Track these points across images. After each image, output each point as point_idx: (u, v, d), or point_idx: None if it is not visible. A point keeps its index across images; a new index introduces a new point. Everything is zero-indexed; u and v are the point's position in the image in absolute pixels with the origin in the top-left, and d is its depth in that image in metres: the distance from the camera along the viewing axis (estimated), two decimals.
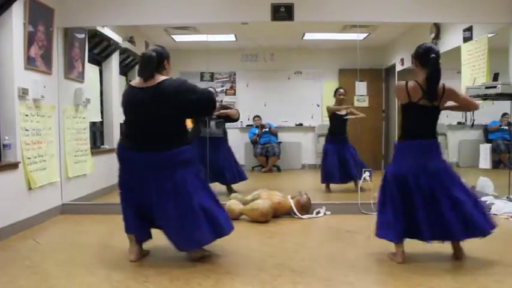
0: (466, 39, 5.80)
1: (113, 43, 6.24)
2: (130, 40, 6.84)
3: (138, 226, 3.26)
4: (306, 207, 4.81)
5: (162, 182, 3.12)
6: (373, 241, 3.32)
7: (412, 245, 3.26)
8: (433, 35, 6.43)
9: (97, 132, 6.47)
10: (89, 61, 5.82)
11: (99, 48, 6.17)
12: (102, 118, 6.40)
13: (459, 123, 6.34)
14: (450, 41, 6.25)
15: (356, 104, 6.34)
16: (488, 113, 6.25)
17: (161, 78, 3.17)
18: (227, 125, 6.17)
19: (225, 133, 6.14)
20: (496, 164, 6.18)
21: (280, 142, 8.56)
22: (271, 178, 7.88)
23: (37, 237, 3.99)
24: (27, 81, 4.32)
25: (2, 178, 3.95)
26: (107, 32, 5.94)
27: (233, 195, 5.03)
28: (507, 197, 5.04)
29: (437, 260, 3.21)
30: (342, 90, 6.28)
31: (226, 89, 8.92)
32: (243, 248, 3.66)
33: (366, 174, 5.05)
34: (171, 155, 3.16)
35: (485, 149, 5.50)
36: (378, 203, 3.31)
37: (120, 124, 5.51)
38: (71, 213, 4.95)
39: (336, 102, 6.37)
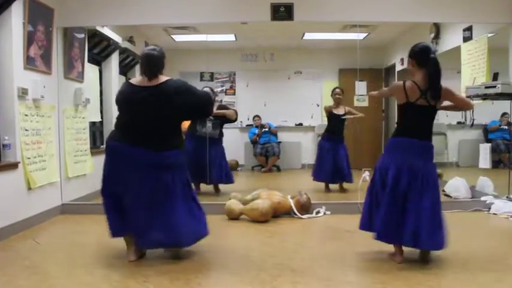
0: (466, 39, 5.80)
1: (113, 43, 6.24)
2: (130, 40, 6.84)
3: (123, 226, 3.25)
4: (305, 207, 4.81)
5: (150, 180, 3.13)
6: (373, 241, 3.31)
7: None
8: (432, 35, 6.44)
9: (97, 132, 6.47)
10: (89, 61, 5.81)
11: (99, 48, 6.17)
12: (101, 118, 6.40)
13: (459, 122, 6.34)
14: (450, 40, 6.25)
15: (356, 103, 6.33)
16: (488, 112, 6.25)
17: (164, 78, 3.21)
18: (225, 125, 6.15)
19: (220, 134, 6.08)
20: (496, 163, 6.18)
21: (280, 142, 8.57)
22: (271, 178, 7.88)
23: (37, 237, 3.99)
24: (27, 81, 4.32)
25: (2, 178, 3.95)
26: (107, 31, 5.94)
27: (233, 194, 5.03)
28: (507, 197, 5.05)
29: (436, 260, 3.21)
30: (337, 90, 6.28)
31: (226, 89, 8.93)
32: (243, 248, 3.66)
33: (366, 174, 5.05)
34: (162, 157, 3.17)
35: (485, 149, 5.50)
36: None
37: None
38: (70, 213, 4.94)
39: (333, 102, 6.37)
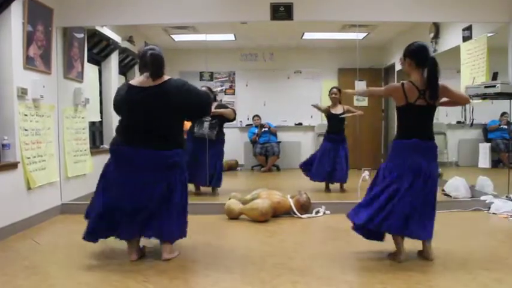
0: (466, 39, 5.80)
1: (112, 43, 6.24)
2: (130, 40, 6.84)
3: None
4: (305, 207, 4.81)
5: (153, 179, 3.15)
6: (373, 241, 3.32)
7: (411, 244, 3.27)
8: (432, 35, 6.44)
9: (96, 132, 6.47)
10: (88, 61, 5.81)
11: (99, 48, 6.17)
12: (101, 118, 6.40)
13: (458, 122, 6.34)
14: (449, 40, 6.25)
15: (355, 103, 6.34)
16: (488, 112, 6.25)
17: (165, 77, 3.22)
18: (225, 125, 6.13)
19: (219, 135, 6.03)
20: (496, 163, 6.19)
21: (279, 141, 8.56)
22: (271, 177, 7.88)
23: (36, 237, 3.99)
24: (27, 81, 4.32)
25: (1, 178, 3.95)
26: (106, 31, 5.94)
27: (233, 194, 5.02)
28: (506, 196, 5.05)
29: (436, 259, 3.20)
30: (334, 90, 6.27)
31: (226, 89, 8.93)
32: (243, 248, 3.66)
33: (365, 174, 5.05)
34: (165, 156, 3.19)
35: (484, 148, 5.50)
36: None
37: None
38: (70, 213, 4.94)
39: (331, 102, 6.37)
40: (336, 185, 6.31)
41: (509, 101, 5.22)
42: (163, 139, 3.21)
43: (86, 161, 5.57)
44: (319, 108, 6.59)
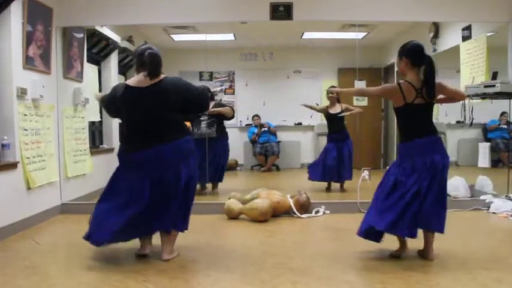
0: (465, 38, 5.80)
1: (112, 42, 6.24)
2: (129, 39, 6.83)
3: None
4: (305, 207, 4.81)
5: (176, 169, 3.17)
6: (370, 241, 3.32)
7: (411, 244, 3.27)
8: (432, 34, 6.44)
9: (96, 132, 6.47)
10: (88, 60, 5.81)
11: (98, 48, 6.16)
12: (101, 118, 6.39)
13: (458, 122, 6.34)
14: (449, 40, 6.25)
15: (355, 103, 6.33)
16: (487, 111, 6.25)
17: (162, 76, 3.23)
18: (227, 123, 6.13)
19: (221, 132, 6.05)
20: (495, 162, 6.19)
21: (279, 141, 8.56)
22: (271, 177, 7.88)
23: (36, 237, 3.99)
24: (26, 80, 4.31)
25: (1, 178, 3.95)
26: (106, 31, 5.93)
27: (232, 194, 5.02)
28: (506, 196, 5.05)
29: (436, 259, 3.21)
30: (330, 89, 6.27)
31: (225, 88, 8.92)
32: (243, 247, 3.66)
33: (365, 174, 5.05)
34: (177, 145, 3.20)
35: (484, 148, 5.50)
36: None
37: (120, 124, 5.49)
38: (70, 212, 4.94)
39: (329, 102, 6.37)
40: (336, 185, 6.31)
41: (508, 100, 5.23)
42: (171, 131, 3.21)
43: (85, 160, 5.57)
44: (311, 108, 6.57)
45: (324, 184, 6.36)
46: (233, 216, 4.69)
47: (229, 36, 7.70)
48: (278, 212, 4.71)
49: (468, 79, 5.62)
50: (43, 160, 4.59)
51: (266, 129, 8.47)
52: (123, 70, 7.17)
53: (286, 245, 3.73)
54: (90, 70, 5.94)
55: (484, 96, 5.06)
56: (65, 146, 5.12)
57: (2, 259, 3.36)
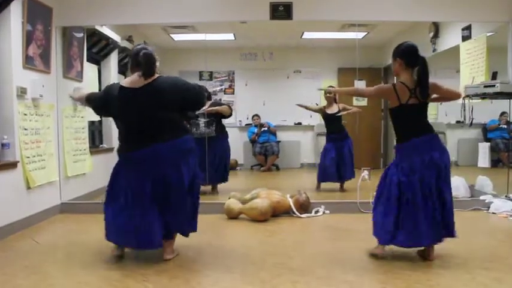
0: (465, 38, 5.80)
1: (112, 42, 6.23)
2: (129, 39, 6.83)
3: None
4: (305, 206, 4.81)
5: (177, 168, 3.16)
6: (372, 240, 3.32)
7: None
8: (431, 34, 6.43)
9: (96, 132, 6.47)
10: (88, 60, 5.81)
11: (98, 47, 6.16)
12: (100, 117, 6.38)
13: (458, 122, 6.34)
14: (449, 40, 6.25)
15: (355, 103, 6.33)
16: (487, 111, 6.26)
17: (156, 75, 3.23)
18: (226, 123, 6.12)
19: (221, 131, 6.04)
20: (495, 162, 6.20)
21: (279, 141, 8.56)
22: (270, 177, 7.88)
23: (36, 236, 3.99)
24: (26, 80, 4.31)
25: (1, 177, 3.95)
26: (106, 31, 5.93)
27: (232, 194, 5.02)
28: (506, 196, 5.05)
29: (436, 259, 3.21)
30: (328, 89, 6.26)
31: (225, 88, 8.92)
32: (242, 247, 3.66)
33: (365, 173, 5.05)
34: (176, 144, 3.19)
35: (484, 148, 5.50)
36: (374, 200, 3.38)
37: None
38: (69, 212, 4.94)
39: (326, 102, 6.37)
40: (336, 185, 6.30)
41: (508, 100, 5.23)
42: (170, 129, 3.19)
43: (85, 160, 5.57)
44: (307, 108, 6.56)
45: (328, 184, 6.33)
46: (233, 216, 4.69)
47: (229, 36, 7.70)
48: (278, 212, 4.71)
49: (468, 79, 5.62)
50: (43, 159, 4.59)
51: (266, 129, 8.47)
52: (123, 70, 7.15)
53: (286, 245, 3.73)
54: (90, 70, 5.94)
55: (483, 96, 5.06)
56: (65, 145, 5.12)
57: (1, 258, 3.36)
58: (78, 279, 2.90)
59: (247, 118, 8.74)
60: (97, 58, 6.36)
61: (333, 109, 6.22)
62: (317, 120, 8.59)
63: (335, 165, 6.14)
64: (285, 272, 3.01)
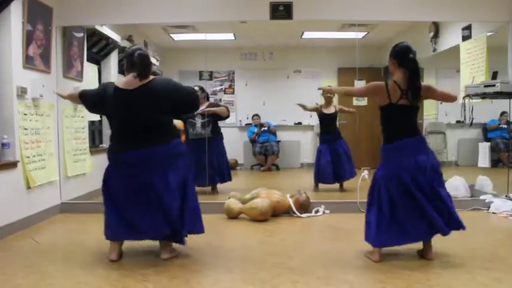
0: (465, 38, 5.80)
1: (112, 42, 6.23)
2: (129, 39, 6.82)
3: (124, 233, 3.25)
4: (305, 206, 4.81)
5: (163, 175, 3.15)
6: None
7: (410, 244, 3.27)
8: (432, 34, 6.44)
9: (96, 131, 6.47)
10: (88, 60, 5.81)
11: (98, 47, 6.16)
12: (100, 117, 6.38)
13: (458, 121, 6.35)
14: (449, 39, 6.25)
15: (355, 102, 6.33)
16: (487, 111, 6.26)
17: (150, 77, 3.23)
18: (222, 123, 6.12)
19: (216, 132, 6.01)
20: (495, 162, 6.20)
21: (279, 141, 8.56)
22: (270, 177, 7.88)
23: (36, 236, 3.99)
24: (26, 80, 4.31)
25: (1, 177, 3.95)
26: (106, 30, 5.92)
27: (232, 193, 5.02)
28: (506, 196, 5.05)
29: (436, 258, 3.21)
30: (325, 88, 6.25)
31: (225, 88, 8.92)
32: (242, 247, 3.66)
33: (365, 173, 5.04)
34: (169, 148, 3.20)
35: (484, 148, 5.50)
36: (367, 204, 3.36)
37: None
38: (70, 212, 4.95)
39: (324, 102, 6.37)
40: (335, 185, 6.30)
41: (508, 100, 5.23)
42: (162, 133, 3.20)
43: (85, 160, 5.57)
44: (304, 107, 6.56)
45: (327, 185, 6.32)
46: (233, 215, 4.69)
47: (229, 36, 7.70)
48: (278, 212, 4.71)
49: (468, 79, 5.62)
50: (43, 159, 4.59)
51: (266, 128, 8.47)
52: (123, 69, 7.10)
53: (286, 245, 3.73)
54: (90, 69, 5.94)
55: (484, 96, 5.06)
56: (65, 145, 5.12)
57: (1, 258, 3.36)
58: (77, 279, 2.90)
59: (247, 118, 8.74)
60: (97, 58, 6.36)
61: (330, 109, 6.22)
62: (317, 120, 8.59)
63: (331, 167, 6.12)
64: (285, 272, 3.01)
